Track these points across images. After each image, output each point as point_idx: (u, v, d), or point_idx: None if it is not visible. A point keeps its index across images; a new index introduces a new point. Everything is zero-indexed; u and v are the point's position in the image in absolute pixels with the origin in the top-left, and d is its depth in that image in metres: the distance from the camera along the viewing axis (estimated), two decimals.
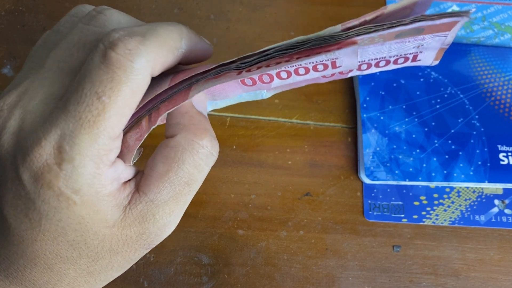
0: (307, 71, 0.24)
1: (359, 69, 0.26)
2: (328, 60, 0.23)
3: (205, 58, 0.22)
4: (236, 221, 0.31)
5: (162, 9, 0.37)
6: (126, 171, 0.19)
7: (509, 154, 0.32)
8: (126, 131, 0.20)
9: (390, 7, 0.20)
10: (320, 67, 0.24)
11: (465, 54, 0.35)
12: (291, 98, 0.35)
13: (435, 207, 0.31)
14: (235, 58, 0.20)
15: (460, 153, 0.32)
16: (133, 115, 0.20)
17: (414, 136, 0.32)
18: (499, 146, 0.32)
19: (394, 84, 0.33)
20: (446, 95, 0.33)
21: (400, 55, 0.26)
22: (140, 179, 0.19)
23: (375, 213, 0.31)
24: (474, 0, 0.37)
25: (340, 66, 0.24)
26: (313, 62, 0.23)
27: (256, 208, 0.31)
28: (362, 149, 0.32)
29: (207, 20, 0.36)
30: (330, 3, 0.37)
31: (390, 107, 0.33)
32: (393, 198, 0.31)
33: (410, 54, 0.26)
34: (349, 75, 0.27)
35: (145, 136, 0.19)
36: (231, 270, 0.30)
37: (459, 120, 0.32)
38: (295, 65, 0.23)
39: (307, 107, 0.34)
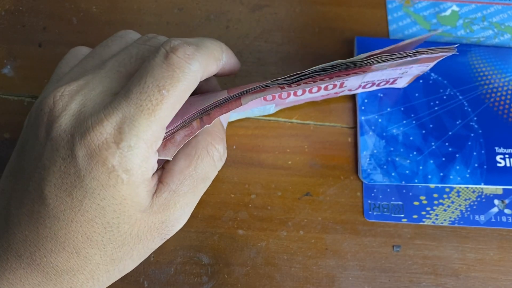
0: (318, 89, 0.28)
1: (349, 90, 0.31)
2: (339, 81, 0.27)
3: (235, 71, 0.26)
4: (236, 221, 0.31)
5: (162, 9, 0.37)
6: (156, 164, 0.21)
7: (507, 156, 0.32)
8: (177, 130, 0.22)
9: (403, 42, 0.25)
10: (330, 86, 0.28)
11: (465, 54, 0.34)
12: None
13: (435, 207, 0.31)
14: (279, 78, 0.23)
15: (457, 155, 0.32)
16: (186, 117, 0.22)
17: (411, 138, 0.32)
18: (496, 148, 0.32)
19: None
20: (445, 97, 0.33)
21: (384, 79, 0.31)
22: (162, 172, 0.22)
23: (375, 213, 0.31)
24: (474, 0, 0.37)
25: (345, 87, 0.29)
26: (328, 83, 0.27)
27: (256, 208, 0.31)
28: (360, 151, 0.32)
29: (207, 20, 0.36)
30: (330, 4, 0.37)
31: (388, 109, 0.33)
32: (393, 198, 0.31)
33: (392, 79, 0.31)
34: (340, 94, 0.32)
35: (196, 133, 0.22)
36: (231, 270, 0.30)
37: (457, 122, 0.32)
38: (316, 85, 0.26)
39: (307, 107, 0.34)
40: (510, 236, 0.31)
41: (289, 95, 0.28)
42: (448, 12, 0.36)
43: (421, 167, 0.31)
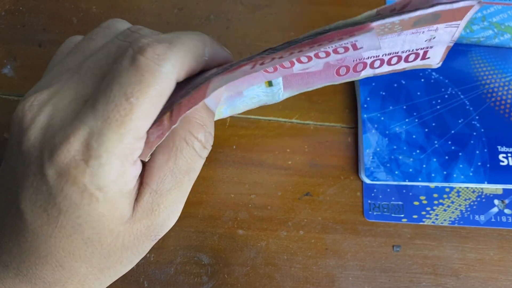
0: (327, 54, 0.23)
1: (372, 66, 0.27)
2: (348, 43, 0.22)
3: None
4: (236, 221, 0.31)
5: (162, 9, 0.37)
6: (140, 168, 0.20)
7: (509, 155, 0.32)
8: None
9: None
10: (341, 50, 0.23)
11: (466, 54, 0.35)
12: (291, 98, 0.35)
13: (435, 207, 0.31)
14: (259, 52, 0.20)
15: (460, 154, 0.32)
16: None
17: (414, 136, 0.32)
18: (499, 147, 0.32)
19: (395, 85, 0.33)
20: (446, 96, 0.33)
21: (412, 50, 0.26)
22: (143, 172, 0.20)
23: (375, 213, 0.31)
24: None
25: (362, 48, 0.23)
26: (333, 46, 0.22)
27: (256, 208, 0.31)
28: (363, 149, 0.32)
29: (207, 20, 0.36)
30: (330, 3, 0.37)
31: (391, 107, 0.33)
32: (393, 198, 0.31)
33: (421, 49, 0.26)
34: (362, 74, 0.27)
35: (166, 135, 0.20)
36: (231, 270, 0.30)
37: (460, 121, 0.32)
38: (315, 50, 0.22)
39: (307, 107, 0.34)
40: (510, 236, 0.31)
41: (292, 64, 0.23)
42: None
43: (424, 166, 0.31)
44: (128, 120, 0.17)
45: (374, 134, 0.32)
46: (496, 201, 0.31)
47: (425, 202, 0.31)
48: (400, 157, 0.32)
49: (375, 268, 0.30)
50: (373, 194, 0.31)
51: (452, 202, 0.31)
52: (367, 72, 0.27)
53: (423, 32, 0.24)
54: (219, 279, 0.30)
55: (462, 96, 0.33)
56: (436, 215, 0.31)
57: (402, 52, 0.26)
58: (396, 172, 0.31)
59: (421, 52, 0.26)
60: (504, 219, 0.31)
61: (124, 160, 0.18)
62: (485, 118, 0.33)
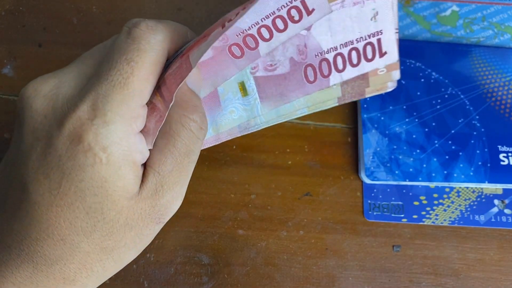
0: (284, 22, 0.25)
1: (336, 67, 0.28)
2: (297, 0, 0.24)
3: None
4: (236, 221, 0.31)
5: (162, 9, 0.37)
6: (148, 153, 0.21)
7: (510, 154, 0.32)
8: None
9: None
10: (293, 11, 0.25)
11: (466, 54, 0.35)
12: None
13: (434, 207, 0.31)
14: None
15: (460, 153, 0.32)
16: None
17: (414, 136, 0.32)
18: (499, 146, 0.32)
19: None
20: (446, 96, 0.33)
21: (364, 37, 0.27)
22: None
23: (375, 213, 0.31)
24: (474, 0, 0.37)
25: (314, 10, 0.25)
26: (284, 6, 0.24)
27: (256, 208, 0.31)
28: (363, 149, 0.32)
29: (207, 20, 0.36)
30: None
31: (391, 107, 0.33)
32: (393, 198, 0.31)
33: (372, 36, 0.27)
34: (331, 80, 0.28)
35: (165, 116, 0.21)
36: (231, 270, 0.30)
37: (460, 121, 0.32)
38: (269, 15, 0.24)
39: None
40: (510, 236, 0.31)
41: (256, 42, 0.25)
42: (448, 12, 0.36)
43: (424, 165, 0.31)
44: (130, 82, 0.19)
45: (374, 134, 0.32)
46: (496, 201, 0.31)
47: (425, 202, 0.31)
48: (400, 157, 0.32)
49: (375, 268, 0.30)
50: (373, 194, 0.31)
51: (452, 202, 0.31)
52: (335, 78, 0.28)
53: (364, 2, 0.26)
54: (219, 279, 0.30)
55: (462, 96, 0.33)
56: (436, 215, 0.31)
57: (357, 41, 0.27)
58: (397, 172, 0.31)
59: (375, 42, 0.28)
60: (504, 219, 0.31)
61: (127, 123, 0.19)
62: (485, 118, 0.33)
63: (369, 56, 0.28)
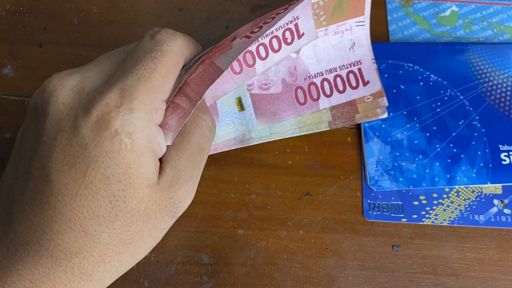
0: (279, 43, 0.27)
1: (324, 92, 0.31)
2: (291, 22, 0.27)
3: None
4: (236, 221, 0.31)
5: (162, 9, 0.37)
6: (165, 147, 0.22)
7: (511, 153, 0.32)
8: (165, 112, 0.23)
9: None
10: (288, 33, 0.28)
11: (463, 53, 0.35)
12: None
13: (434, 207, 0.31)
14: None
15: (462, 156, 0.32)
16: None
17: (416, 142, 0.32)
18: (500, 146, 0.32)
19: (394, 90, 0.33)
20: (446, 98, 0.33)
21: (346, 65, 0.30)
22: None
23: (374, 213, 0.31)
24: (474, 1, 0.37)
25: (303, 35, 0.28)
26: (281, 27, 0.27)
27: (256, 208, 0.31)
28: (366, 158, 0.32)
29: (207, 20, 0.37)
30: None
31: (391, 114, 0.33)
32: (392, 198, 0.31)
33: (353, 65, 0.31)
34: (320, 103, 0.31)
35: (191, 113, 0.22)
36: (231, 269, 0.30)
37: (460, 122, 0.33)
38: (269, 34, 0.26)
39: None
40: (509, 236, 0.31)
41: (254, 59, 0.27)
42: (447, 13, 0.36)
43: (427, 170, 0.31)
44: (153, 77, 0.21)
45: (376, 142, 0.32)
46: (495, 201, 0.31)
47: (424, 202, 0.31)
48: (403, 164, 0.32)
49: (375, 268, 0.30)
50: (372, 194, 0.32)
51: (452, 202, 0.31)
52: (324, 102, 0.31)
53: (343, 32, 0.29)
54: (219, 279, 0.30)
55: (461, 97, 0.33)
56: (436, 215, 0.31)
57: (340, 68, 0.30)
58: (400, 179, 0.31)
59: (356, 71, 0.31)
60: (503, 219, 0.31)
61: (150, 112, 0.20)
62: (485, 118, 0.33)
63: (353, 83, 0.31)
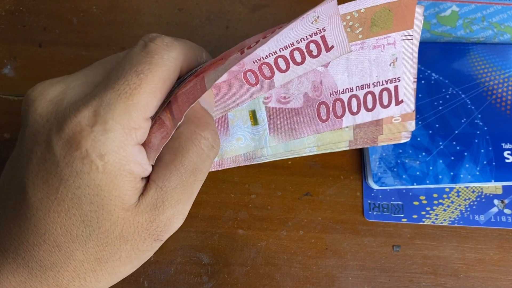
0: (302, 56, 0.25)
1: (350, 109, 0.28)
2: (316, 34, 0.24)
3: None
4: (236, 221, 0.31)
5: (162, 9, 0.37)
6: (149, 167, 0.20)
7: None
8: (150, 130, 0.21)
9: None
10: (312, 46, 0.25)
11: (464, 53, 0.35)
12: None
13: (434, 207, 0.31)
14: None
15: (465, 153, 0.32)
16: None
17: (419, 139, 0.32)
18: (503, 144, 0.32)
19: None
20: (448, 96, 0.33)
21: (381, 82, 0.27)
22: (152, 171, 0.20)
23: (374, 213, 0.31)
24: (474, 0, 0.37)
25: (333, 47, 0.25)
26: (304, 39, 0.24)
27: (256, 208, 0.31)
28: (369, 155, 0.32)
29: (207, 20, 0.36)
30: None
31: None
32: (392, 198, 0.31)
33: (390, 82, 0.27)
34: (344, 121, 0.28)
35: (172, 133, 0.20)
36: (231, 269, 0.30)
37: (462, 121, 0.33)
38: (290, 47, 0.24)
39: None
40: (509, 236, 0.31)
41: (272, 71, 0.25)
42: (448, 12, 0.36)
43: (431, 168, 0.31)
44: (136, 94, 0.19)
45: None
46: (495, 201, 0.31)
47: (424, 202, 0.31)
48: (407, 161, 0.32)
49: (375, 268, 0.30)
50: (373, 194, 0.32)
51: (452, 202, 0.31)
52: (348, 120, 0.28)
53: (384, 46, 0.26)
54: (219, 279, 0.30)
55: (463, 96, 0.33)
56: (436, 215, 0.31)
57: (374, 85, 0.27)
58: (404, 176, 0.31)
59: (392, 88, 0.27)
60: (503, 219, 0.31)
61: (127, 134, 0.19)
62: (488, 116, 0.33)
63: (385, 102, 0.28)
